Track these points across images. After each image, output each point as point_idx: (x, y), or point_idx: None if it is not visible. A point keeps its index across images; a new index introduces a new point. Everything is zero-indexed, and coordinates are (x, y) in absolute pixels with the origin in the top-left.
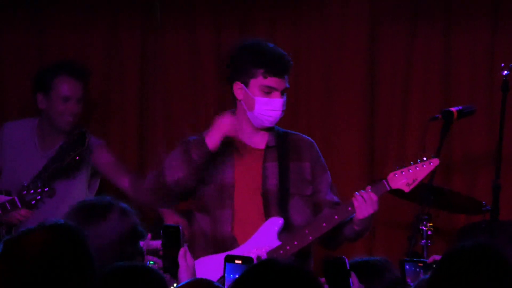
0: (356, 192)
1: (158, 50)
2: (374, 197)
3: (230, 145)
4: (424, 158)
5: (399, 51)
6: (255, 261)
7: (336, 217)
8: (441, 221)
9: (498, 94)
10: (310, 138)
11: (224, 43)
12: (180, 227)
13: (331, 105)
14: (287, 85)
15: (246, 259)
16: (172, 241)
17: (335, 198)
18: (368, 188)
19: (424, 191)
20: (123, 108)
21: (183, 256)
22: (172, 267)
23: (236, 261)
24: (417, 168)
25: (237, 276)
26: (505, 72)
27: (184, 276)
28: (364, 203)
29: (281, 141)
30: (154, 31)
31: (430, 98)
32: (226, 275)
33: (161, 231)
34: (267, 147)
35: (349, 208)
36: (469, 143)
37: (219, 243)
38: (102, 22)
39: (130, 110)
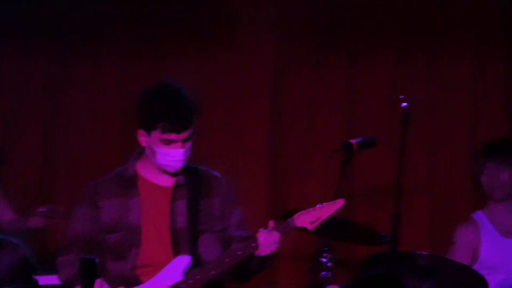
0: (261, 229)
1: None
2: (276, 235)
3: (134, 186)
4: (330, 200)
5: (304, 86)
6: None
7: (239, 253)
8: (342, 253)
9: (397, 126)
10: (219, 174)
11: (132, 76)
12: (96, 260)
13: (234, 143)
14: (190, 133)
15: None
16: (88, 272)
17: (244, 233)
18: (272, 224)
19: (325, 223)
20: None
21: (99, 287)
22: None
23: None
24: (322, 208)
25: None
26: (404, 104)
27: None
28: (267, 241)
29: (191, 178)
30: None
31: (333, 134)
32: None
33: (79, 263)
34: (176, 185)
35: (253, 245)
36: (371, 175)
37: (123, 282)
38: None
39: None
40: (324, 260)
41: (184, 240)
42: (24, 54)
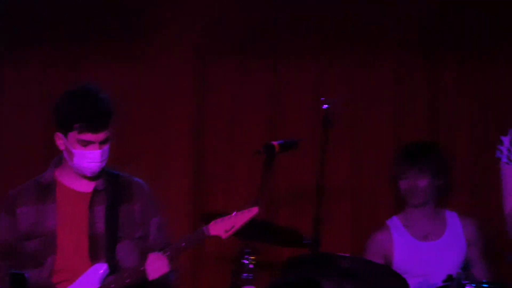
0: (151, 254)
1: None
2: (164, 260)
3: (51, 192)
4: (244, 208)
5: (227, 89)
6: None
7: (127, 280)
8: (265, 255)
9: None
10: (141, 180)
11: (51, 81)
12: (26, 274)
13: (157, 147)
14: (107, 135)
15: None
16: (18, 287)
17: (164, 241)
18: (183, 239)
19: (246, 226)
20: None
21: None
22: None
23: None
24: (237, 216)
25: None
26: (325, 106)
27: None
28: (156, 265)
29: (111, 183)
30: None
31: (256, 136)
32: None
33: (9, 279)
34: (95, 190)
35: (141, 269)
36: (294, 177)
37: None
38: None
39: None
40: (246, 262)
41: (102, 247)
42: None
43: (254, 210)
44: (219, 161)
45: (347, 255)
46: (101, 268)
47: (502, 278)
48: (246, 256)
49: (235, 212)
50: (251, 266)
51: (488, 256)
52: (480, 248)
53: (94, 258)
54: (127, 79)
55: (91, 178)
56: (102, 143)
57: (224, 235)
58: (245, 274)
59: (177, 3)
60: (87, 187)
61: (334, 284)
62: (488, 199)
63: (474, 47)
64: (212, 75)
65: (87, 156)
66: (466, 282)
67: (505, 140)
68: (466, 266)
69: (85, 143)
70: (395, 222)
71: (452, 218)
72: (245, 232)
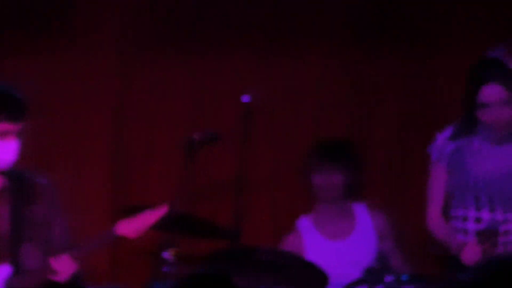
0: (58, 255)
1: None
2: (66, 259)
3: None
4: (153, 206)
5: (146, 83)
6: None
7: (44, 274)
8: (186, 247)
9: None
10: (45, 180)
11: None
12: None
13: (75, 141)
14: (24, 126)
15: None
16: None
17: (68, 242)
18: (91, 240)
19: (167, 218)
20: None
21: None
22: None
23: None
24: (146, 215)
25: None
26: (246, 99)
27: None
28: (62, 266)
29: (15, 183)
30: None
31: (177, 129)
32: None
33: None
34: (1, 190)
35: (48, 271)
36: (215, 169)
37: None
38: None
39: None
40: (166, 255)
41: (6, 248)
42: None
43: (163, 209)
44: (138, 154)
45: (266, 248)
46: (5, 270)
47: (422, 269)
48: (167, 249)
49: (144, 210)
50: (171, 259)
51: (409, 248)
52: (393, 240)
53: None
54: (47, 69)
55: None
56: (19, 134)
57: (133, 235)
58: (165, 268)
59: None
60: None
61: (253, 277)
62: (412, 193)
63: (399, 43)
64: (134, 64)
65: (3, 147)
66: (385, 274)
67: (439, 137)
68: (383, 259)
69: (2, 134)
70: (304, 223)
71: (361, 213)
72: (166, 225)
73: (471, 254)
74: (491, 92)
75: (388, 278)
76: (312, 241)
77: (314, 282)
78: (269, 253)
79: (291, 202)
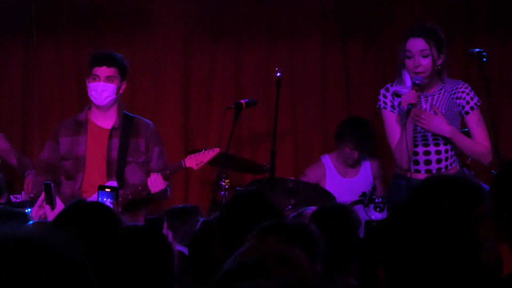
0: (152, 173)
1: (36, 64)
2: (159, 178)
3: (84, 127)
4: (212, 147)
5: (205, 64)
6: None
7: (140, 188)
8: (235, 179)
9: (273, 91)
10: (148, 121)
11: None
12: (52, 184)
13: (157, 105)
14: (113, 73)
15: (113, 188)
16: (48, 191)
17: (161, 165)
18: (168, 168)
19: (222, 158)
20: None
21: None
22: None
23: (107, 190)
24: (204, 154)
25: (107, 199)
26: (278, 74)
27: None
28: (155, 182)
29: (125, 123)
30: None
31: (227, 96)
32: (99, 198)
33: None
34: (113, 128)
35: (145, 184)
36: (253, 125)
37: (72, 199)
38: None
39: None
40: (222, 183)
41: (115, 168)
42: None
43: (217, 150)
44: (200, 114)
45: (292, 178)
46: (113, 184)
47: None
48: (223, 179)
49: (203, 150)
50: (226, 186)
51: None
52: (381, 180)
53: (109, 176)
54: (131, 55)
55: (109, 116)
56: (107, 79)
57: (196, 167)
58: (222, 192)
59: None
60: (108, 124)
61: (284, 199)
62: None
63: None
64: (194, 51)
65: (94, 88)
66: (375, 197)
67: (387, 93)
68: (374, 189)
69: (95, 77)
70: (327, 160)
71: (364, 161)
72: (221, 163)
73: (408, 95)
74: (414, 43)
75: (377, 200)
76: (331, 176)
77: (324, 203)
78: (293, 182)
79: (307, 148)
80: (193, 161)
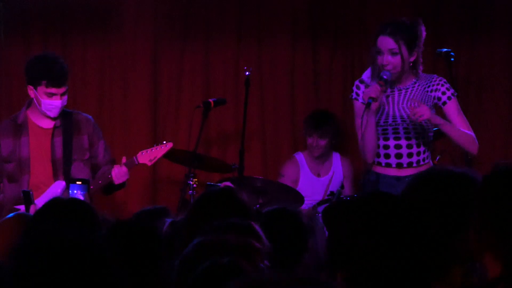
0: (115, 165)
1: (4, 64)
2: (124, 169)
3: (25, 128)
4: (164, 142)
5: (174, 63)
6: None
7: (99, 182)
8: (203, 178)
9: (242, 90)
10: (87, 115)
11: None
12: (31, 192)
13: (126, 104)
14: (66, 89)
15: (84, 180)
16: (26, 199)
17: (108, 158)
18: (124, 161)
19: (190, 158)
20: None
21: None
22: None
23: (77, 182)
24: (157, 149)
25: (78, 191)
26: (247, 73)
27: None
28: (119, 173)
29: (65, 121)
30: None
31: (196, 95)
32: (70, 191)
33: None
34: (55, 127)
35: (109, 176)
36: (222, 124)
37: (16, 202)
38: None
39: None
40: (190, 182)
41: (61, 167)
42: None
43: (170, 144)
44: (170, 111)
45: (260, 177)
46: (61, 185)
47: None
48: (191, 179)
49: (154, 146)
50: (194, 185)
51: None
52: (351, 179)
53: (55, 176)
54: (104, 56)
55: (53, 118)
56: (62, 95)
57: (149, 163)
58: (190, 191)
59: None
60: (49, 124)
61: (252, 198)
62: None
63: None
64: (164, 49)
65: (51, 104)
66: (343, 196)
67: (361, 85)
68: (342, 187)
69: (50, 95)
70: (300, 157)
71: (336, 160)
72: (190, 162)
73: (371, 89)
74: (383, 41)
75: (343, 197)
76: (304, 174)
77: (292, 202)
78: (261, 181)
79: (276, 147)
80: (146, 158)
